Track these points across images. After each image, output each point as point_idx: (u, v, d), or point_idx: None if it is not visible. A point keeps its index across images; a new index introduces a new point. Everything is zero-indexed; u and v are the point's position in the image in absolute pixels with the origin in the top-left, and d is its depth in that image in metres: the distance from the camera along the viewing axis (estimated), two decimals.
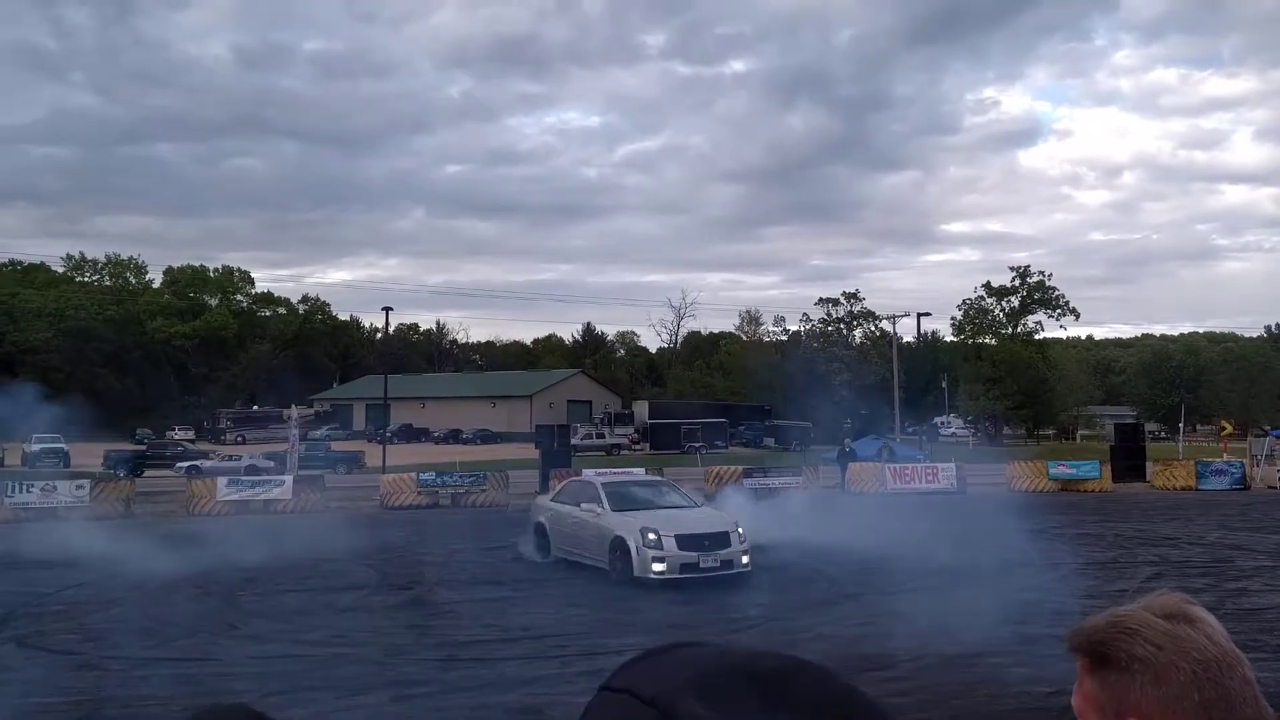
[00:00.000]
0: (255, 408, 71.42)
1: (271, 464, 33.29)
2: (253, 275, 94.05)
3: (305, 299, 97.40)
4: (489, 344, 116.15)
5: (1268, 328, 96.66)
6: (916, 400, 58.35)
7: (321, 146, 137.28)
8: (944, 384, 71.54)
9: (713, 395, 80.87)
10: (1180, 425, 45.55)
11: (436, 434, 70.41)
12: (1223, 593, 12.09)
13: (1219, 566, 14.21)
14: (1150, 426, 61.09)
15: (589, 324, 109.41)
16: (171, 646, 9.38)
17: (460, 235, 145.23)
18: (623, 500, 13.81)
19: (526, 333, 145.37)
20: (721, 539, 12.76)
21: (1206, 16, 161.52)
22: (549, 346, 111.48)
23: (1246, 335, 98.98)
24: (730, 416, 67.18)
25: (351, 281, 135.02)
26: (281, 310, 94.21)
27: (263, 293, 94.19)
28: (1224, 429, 42.50)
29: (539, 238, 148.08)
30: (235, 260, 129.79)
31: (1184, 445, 46.49)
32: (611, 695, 0.50)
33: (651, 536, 12.43)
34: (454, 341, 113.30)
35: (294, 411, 31.81)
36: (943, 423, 73.53)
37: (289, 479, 25.86)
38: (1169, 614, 1.06)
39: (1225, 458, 34.08)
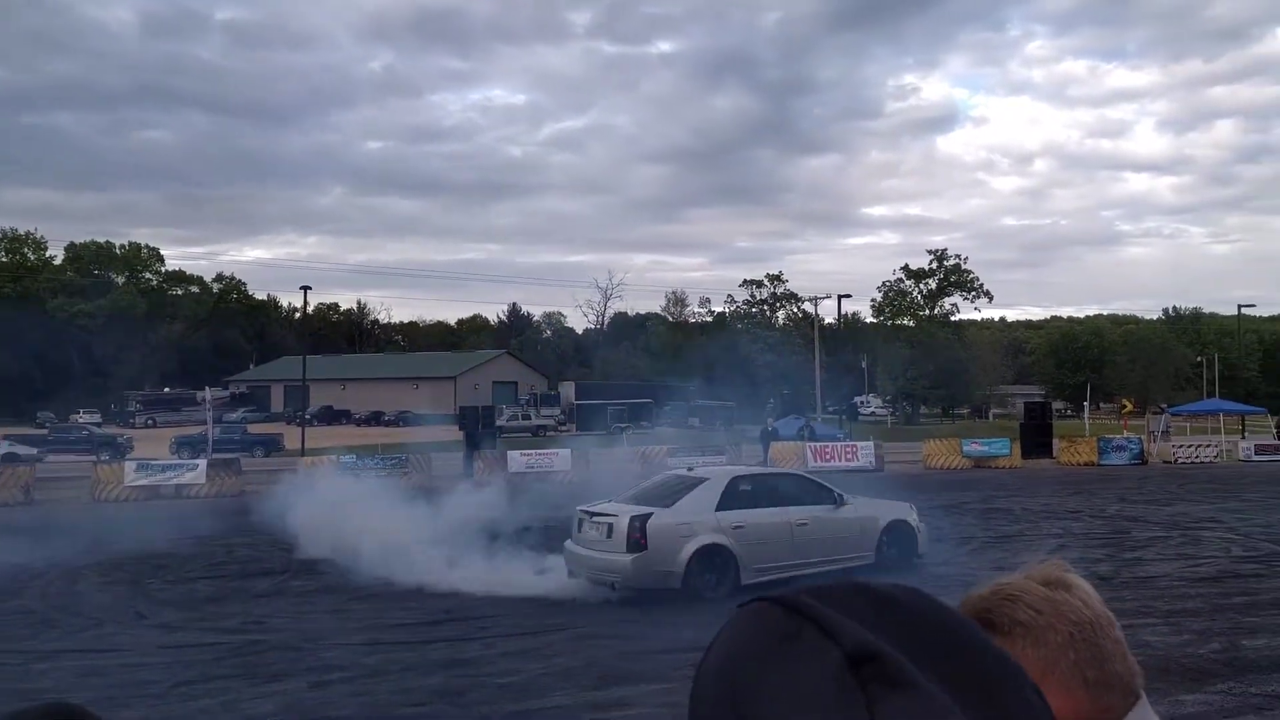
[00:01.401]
0: (166, 390, 68.92)
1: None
2: (162, 253, 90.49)
3: (219, 277, 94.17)
4: (412, 324, 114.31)
5: (1165, 310, 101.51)
6: (837, 380, 59.50)
7: (236, 119, 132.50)
8: (864, 364, 73.16)
9: (639, 376, 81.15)
10: (1085, 404, 47.57)
11: (358, 416, 69.11)
12: (1119, 562, 12.70)
13: (1117, 538, 14.92)
14: (1058, 405, 63.58)
15: (515, 304, 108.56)
16: (76, 638, 9.04)
17: (382, 213, 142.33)
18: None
19: (451, 313, 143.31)
20: None
21: (1114, 10, 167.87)
22: (474, 327, 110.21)
23: (1146, 318, 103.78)
24: (656, 397, 67.52)
25: (269, 260, 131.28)
26: (194, 289, 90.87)
27: (174, 271, 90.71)
28: (1125, 407, 44.53)
29: (464, 217, 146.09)
30: (143, 237, 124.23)
31: (1088, 423, 48.57)
32: (752, 603, 0.55)
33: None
34: (376, 322, 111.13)
35: (207, 393, 30.77)
36: (862, 402, 75.29)
37: (202, 463, 25.08)
38: (1048, 581, 1.13)
39: (1125, 434, 35.75)
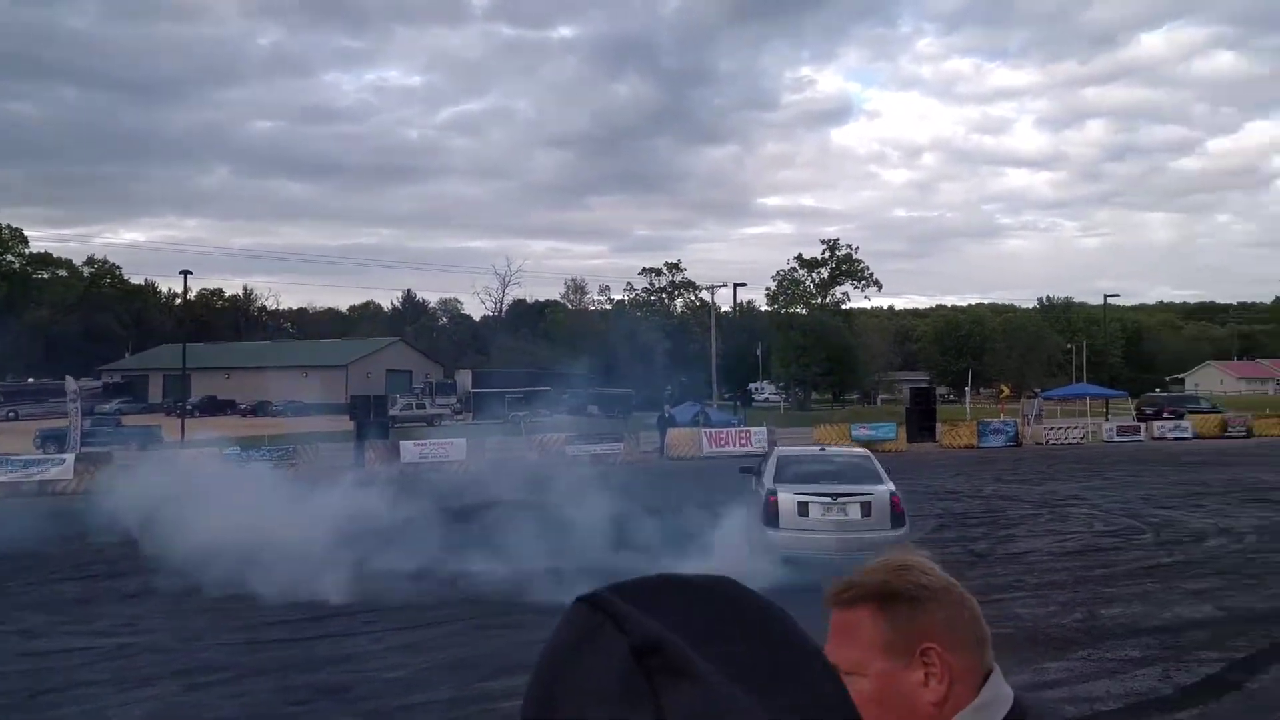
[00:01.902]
0: (30, 380, 64.73)
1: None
2: (26, 234, 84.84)
3: (91, 261, 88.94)
4: (302, 311, 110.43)
5: (1040, 300, 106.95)
6: (733, 368, 60.51)
7: (112, 94, 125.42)
8: (759, 352, 74.60)
9: (537, 364, 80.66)
10: (966, 389, 49.70)
11: (243, 406, 66.48)
12: (994, 540, 13.35)
13: (992, 516, 15.68)
14: (941, 390, 66.30)
15: (410, 291, 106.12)
16: None
17: (271, 195, 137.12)
18: None
19: (343, 299, 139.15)
20: None
21: (997, 11, 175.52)
22: (367, 314, 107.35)
23: (1023, 306, 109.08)
24: (555, 385, 67.23)
25: (146, 243, 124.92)
26: (63, 273, 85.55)
27: (39, 253, 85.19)
28: (1002, 392, 46.81)
29: (357, 200, 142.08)
30: (4, 217, 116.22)
31: (970, 407, 50.82)
32: (572, 602, 0.58)
33: None
34: (263, 308, 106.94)
35: (73, 383, 29.03)
36: (757, 389, 76.81)
37: (69, 458, 23.69)
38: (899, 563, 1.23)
39: (1002, 418, 37.57)
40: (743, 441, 31.25)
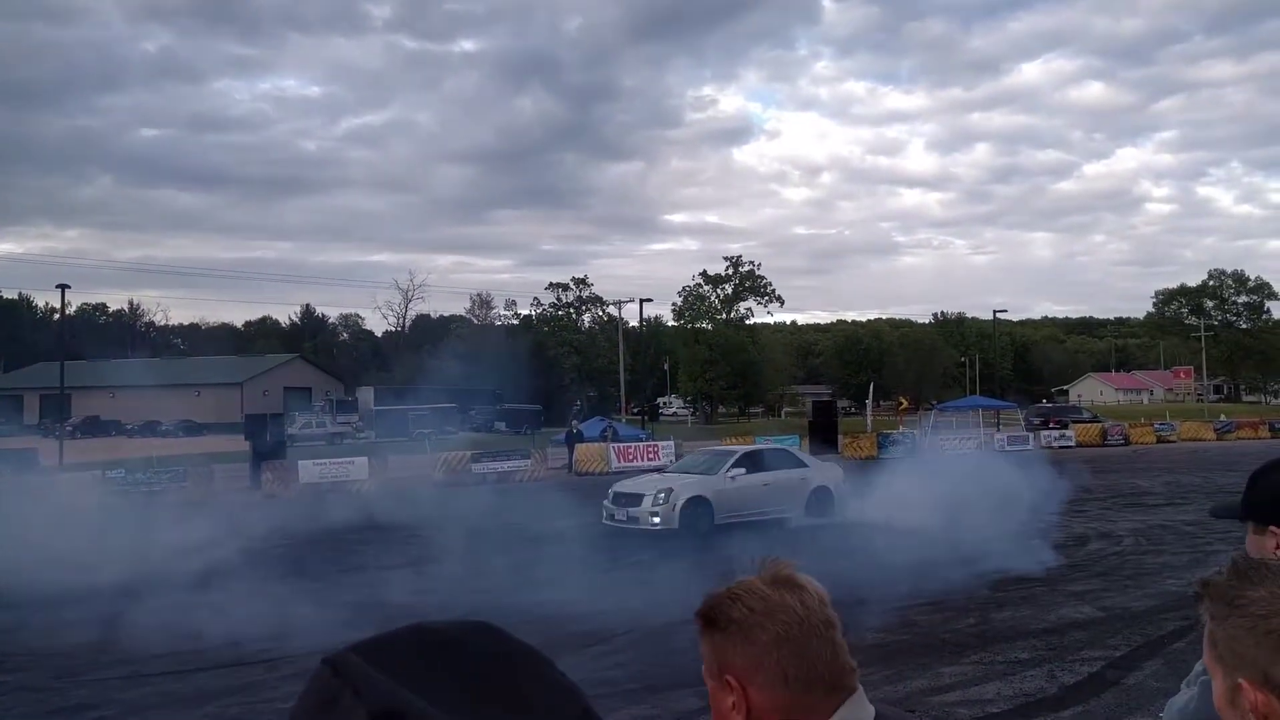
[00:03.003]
0: None
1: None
2: None
3: None
4: (193, 327, 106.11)
5: (934, 315, 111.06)
6: (641, 382, 60.82)
7: None
8: (666, 366, 75.21)
9: (443, 380, 79.38)
10: (867, 401, 51.14)
11: (130, 427, 63.27)
12: (894, 550, 13.69)
13: (888, 526, 16.07)
14: (843, 403, 68.02)
15: (308, 305, 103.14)
16: None
17: (159, 206, 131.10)
18: None
19: (237, 315, 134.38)
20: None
21: (888, 38, 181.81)
22: (263, 330, 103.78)
23: (919, 321, 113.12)
24: (460, 401, 66.23)
25: (20, 254, 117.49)
26: None
27: None
28: (901, 404, 48.32)
29: (252, 212, 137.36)
30: None
31: (870, 419, 52.27)
32: (318, 664, 0.55)
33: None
34: (151, 324, 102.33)
35: None
36: (665, 403, 77.37)
37: None
38: (777, 580, 1.19)
39: (901, 430, 38.77)
40: (651, 456, 31.38)
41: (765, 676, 1.13)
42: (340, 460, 27.82)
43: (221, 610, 9.54)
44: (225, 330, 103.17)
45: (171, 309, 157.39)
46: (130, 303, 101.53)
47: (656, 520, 14.94)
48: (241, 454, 28.74)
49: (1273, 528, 1.68)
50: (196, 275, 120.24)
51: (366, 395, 68.92)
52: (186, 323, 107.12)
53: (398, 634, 0.55)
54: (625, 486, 16.21)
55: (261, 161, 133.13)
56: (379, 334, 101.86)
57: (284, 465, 26.17)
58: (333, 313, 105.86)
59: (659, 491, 15.35)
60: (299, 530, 16.72)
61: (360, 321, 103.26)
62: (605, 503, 15.89)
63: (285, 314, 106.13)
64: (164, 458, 30.39)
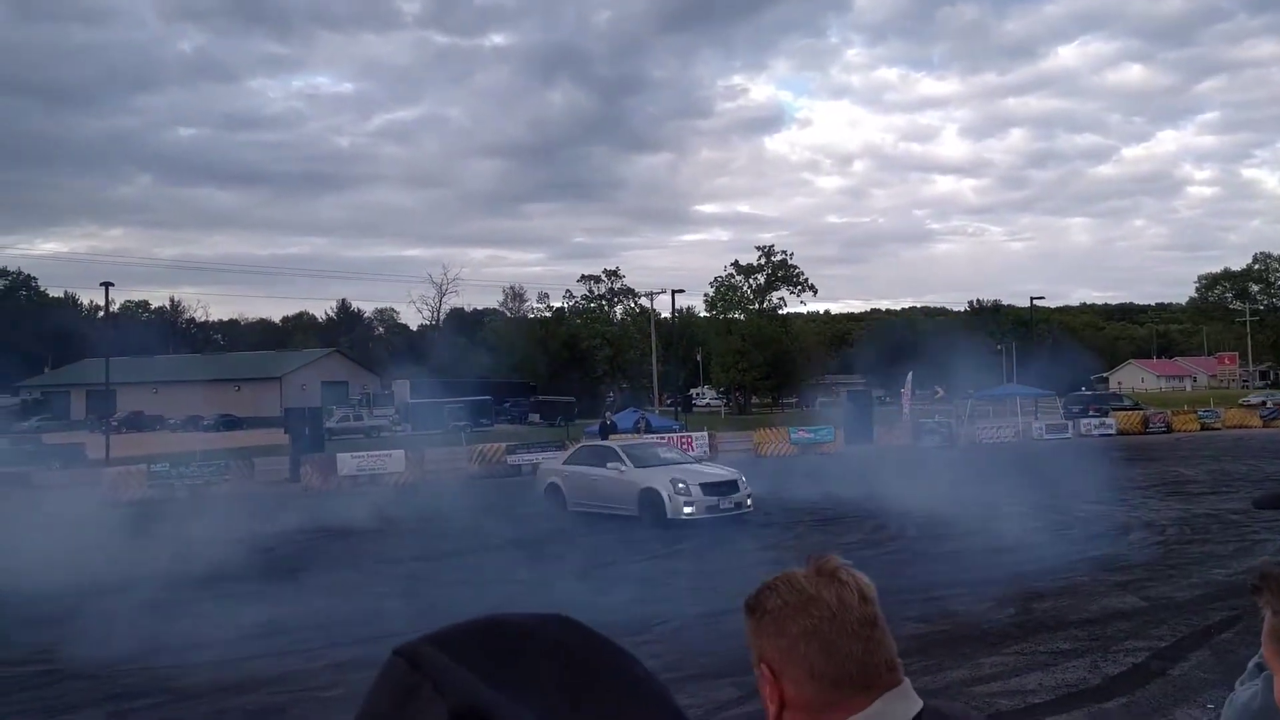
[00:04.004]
0: None
1: None
2: None
3: (4, 273, 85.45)
4: (232, 322, 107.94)
5: (970, 303, 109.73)
6: (674, 373, 60.79)
7: (18, 98, 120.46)
8: (699, 357, 75.06)
9: (477, 373, 79.91)
10: (902, 391, 50.61)
11: (173, 421, 64.45)
12: (931, 539, 13.63)
13: (929, 516, 15.95)
14: (878, 393, 67.41)
15: (344, 300, 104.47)
16: None
17: (197, 205, 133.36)
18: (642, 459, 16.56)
19: (274, 310, 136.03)
20: (732, 486, 15.71)
21: (919, 24, 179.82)
22: (300, 325, 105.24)
23: (954, 309, 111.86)
24: (495, 394, 66.67)
25: (65, 254, 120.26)
26: None
27: None
28: (937, 394, 47.80)
29: (287, 209, 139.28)
30: None
31: (906, 409, 51.72)
32: (390, 656, 0.54)
33: (681, 485, 15.26)
34: (191, 320, 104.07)
35: None
36: (698, 394, 77.27)
37: None
38: (820, 572, 1.18)
39: (937, 419, 38.40)
40: (684, 447, 31.33)
41: (794, 669, 1.13)
42: (378, 453, 28.13)
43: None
44: (263, 325, 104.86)
45: (211, 305, 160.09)
46: (171, 299, 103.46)
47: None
48: (281, 448, 29.17)
49: None
50: (235, 272, 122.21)
51: (402, 389, 69.58)
52: (226, 318, 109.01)
53: (472, 625, 0.55)
54: (702, 476, 16.09)
55: (295, 159, 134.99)
56: (414, 328, 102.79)
57: (323, 459, 26.53)
58: (368, 307, 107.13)
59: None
60: (338, 523, 16.97)
61: (395, 315, 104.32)
62: (681, 494, 15.23)
63: (321, 309, 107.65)
64: (206, 452, 30.97)
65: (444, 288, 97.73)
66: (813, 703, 1.12)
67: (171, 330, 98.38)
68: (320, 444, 28.88)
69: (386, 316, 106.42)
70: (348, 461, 26.15)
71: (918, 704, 1.15)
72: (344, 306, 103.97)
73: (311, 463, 25.96)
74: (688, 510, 15.05)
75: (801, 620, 1.13)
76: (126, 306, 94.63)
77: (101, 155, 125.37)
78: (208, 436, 51.61)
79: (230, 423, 62.83)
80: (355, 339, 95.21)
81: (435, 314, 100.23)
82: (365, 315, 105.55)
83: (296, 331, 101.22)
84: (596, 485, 16.46)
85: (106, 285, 41.62)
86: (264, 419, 59.18)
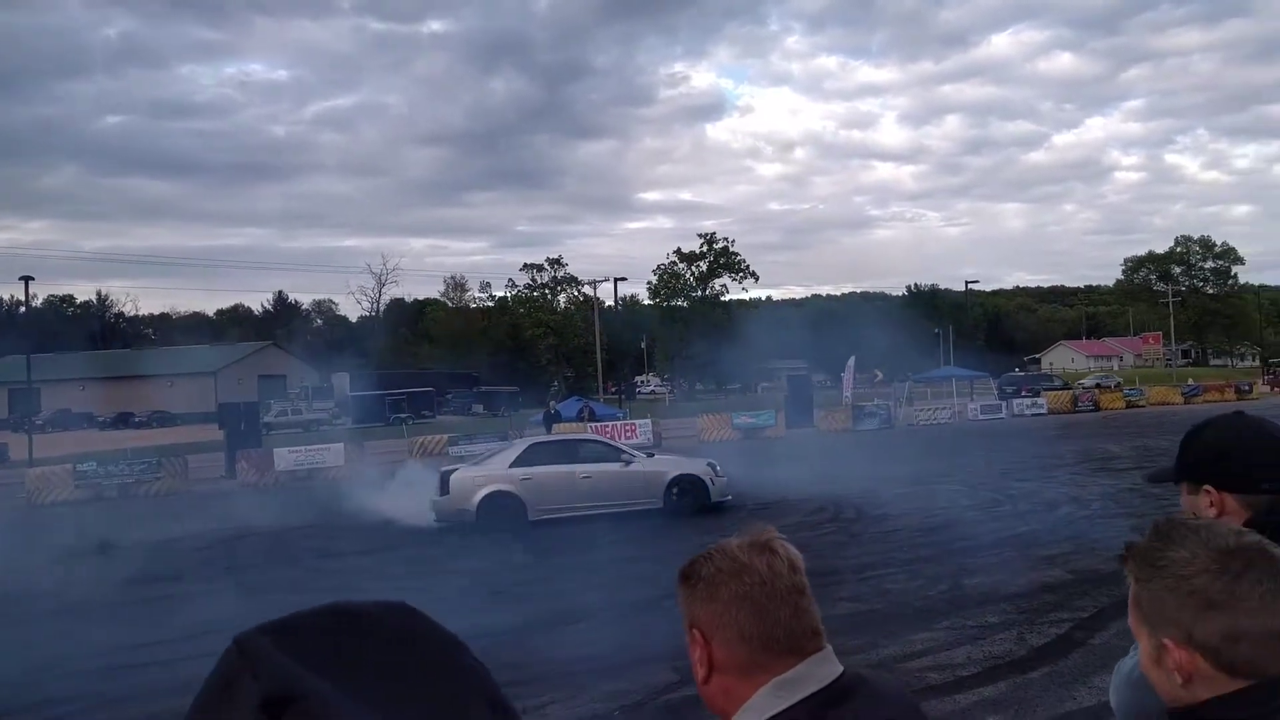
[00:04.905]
0: None
1: None
2: None
3: None
4: (164, 316, 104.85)
5: (908, 288, 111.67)
6: (619, 361, 60.85)
7: None
8: (643, 345, 75.22)
9: (418, 364, 78.96)
10: (842, 375, 51.38)
11: (102, 419, 62.59)
12: (868, 520, 13.89)
13: (866, 497, 16.27)
14: (819, 377, 68.38)
15: (280, 293, 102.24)
16: None
17: (126, 195, 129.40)
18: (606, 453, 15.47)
19: (209, 304, 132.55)
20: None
21: (858, 12, 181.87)
22: (236, 318, 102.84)
23: (893, 294, 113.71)
24: (437, 385, 66.01)
25: None
26: None
27: None
28: (876, 377, 48.61)
29: (222, 200, 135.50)
30: None
31: (849, 392, 52.52)
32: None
33: (719, 468, 15.37)
34: (121, 315, 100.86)
35: None
36: (642, 381, 77.47)
37: None
38: (753, 543, 1.24)
39: (876, 402, 39.09)
40: (628, 434, 31.44)
41: (725, 632, 1.19)
42: (316, 447, 27.64)
43: None
44: (197, 319, 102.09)
45: (141, 299, 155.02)
46: (99, 293, 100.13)
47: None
48: (216, 444, 28.52)
49: (1206, 487, 1.73)
50: (166, 264, 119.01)
51: (342, 381, 68.44)
52: (157, 312, 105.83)
53: (312, 613, 0.55)
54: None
55: (230, 147, 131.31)
56: (353, 319, 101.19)
57: (259, 454, 25.99)
58: (306, 299, 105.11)
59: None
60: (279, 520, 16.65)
61: (334, 307, 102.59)
62: (720, 476, 15.41)
63: (258, 301, 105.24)
64: (136, 450, 30.11)
65: (384, 278, 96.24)
66: (742, 664, 1.18)
67: (100, 326, 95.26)
68: (257, 439, 28.29)
69: (325, 308, 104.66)
70: (285, 456, 25.66)
71: (839, 668, 1.21)
72: (281, 299, 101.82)
73: (248, 458, 25.42)
74: (728, 495, 15.39)
75: (734, 586, 1.19)
76: (50, 301, 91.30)
77: (23, 144, 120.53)
78: (139, 434, 50.22)
79: (163, 419, 61.21)
80: (293, 332, 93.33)
81: (375, 305, 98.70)
82: (303, 307, 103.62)
83: (232, 325, 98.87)
84: (587, 485, 14.54)
85: (26, 279, 40.11)
86: (199, 415, 57.72)
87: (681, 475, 15.21)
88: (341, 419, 56.90)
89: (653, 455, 16.47)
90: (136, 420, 60.91)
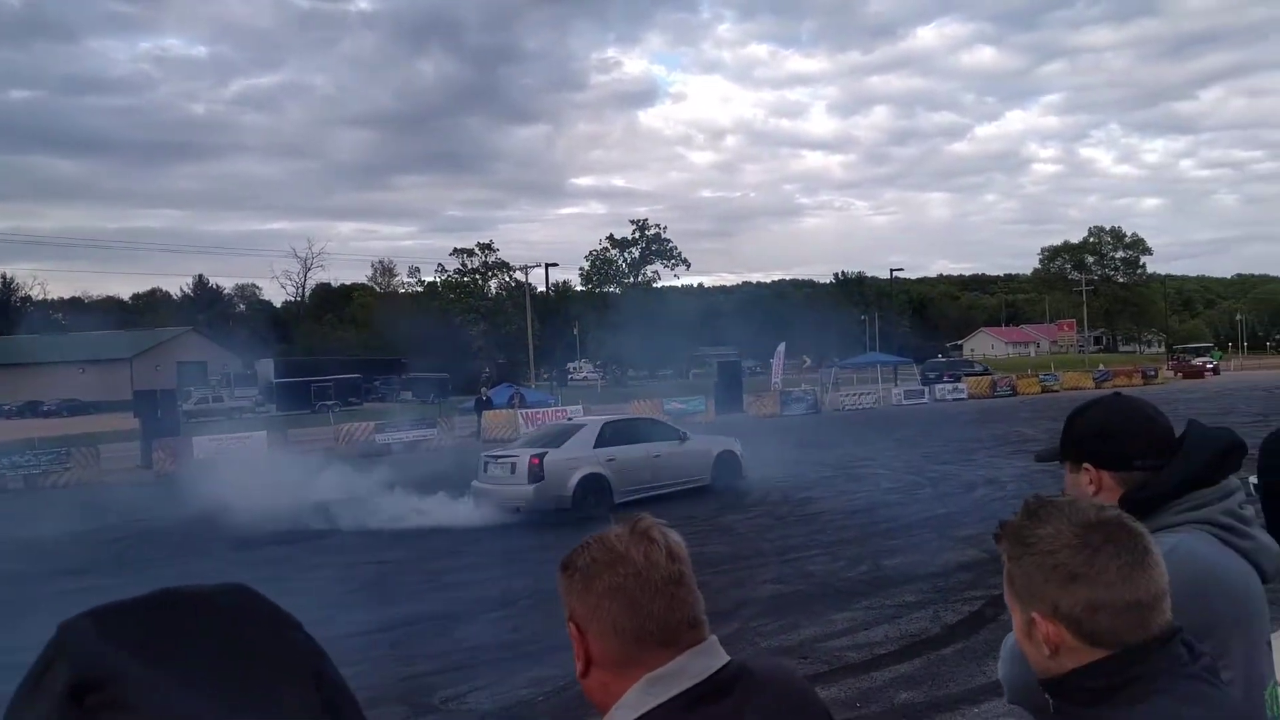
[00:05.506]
0: None
1: None
2: None
3: None
4: (75, 300, 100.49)
5: (836, 275, 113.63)
6: (551, 348, 60.58)
7: None
8: (576, 331, 75.02)
9: (346, 350, 77.41)
10: (771, 361, 52.05)
11: (7, 408, 59.86)
12: (793, 502, 14.14)
13: (791, 479, 16.56)
14: (749, 363, 69.15)
15: (201, 276, 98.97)
16: None
17: (33, 174, 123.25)
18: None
19: (124, 287, 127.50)
20: None
21: (788, 1, 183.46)
22: (153, 303, 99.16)
23: (821, 281, 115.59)
24: (365, 371, 64.87)
25: None
26: None
27: None
28: (804, 363, 49.41)
29: (138, 179, 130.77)
30: None
31: (780, 378, 53.24)
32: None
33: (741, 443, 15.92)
34: (27, 298, 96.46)
35: None
36: (575, 368, 77.32)
37: None
38: (633, 531, 1.20)
39: (803, 388, 39.73)
40: (560, 420, 31.37)
41: (599, 625, 1.16)
42: (238, 435, 26.92)
43: None
44: (111, 303, 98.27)
45: (50, 283, 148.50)
46: (3, 277, 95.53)
47: None
48: (132, 433, 27.54)
49: (1086, 465, 1.81)
50: (78, 246, 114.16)
51: (266, 368, 66.74)
52: (68, 296, 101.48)
53: (143, 597, 0.55)
54: None
55: (146, 125, 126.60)
56: (278, 304, 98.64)
57: (177, 443, 25.20)
58: (228, 284, 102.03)
59: None
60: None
61: (257, 292, 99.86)
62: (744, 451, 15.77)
63: (176, 286, 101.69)
64: (44, 439, 28.89)
65: (309, 262, 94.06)
66: (616, 659, 1.15)
67: (3, 310, 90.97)
68: (175, 428, 27.39)
69: (248, 293, 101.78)
70: (205, 445, 24.93)
71: (722, 659, 1.17)
72: (201, 283, 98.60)
73: (165, 447, 24.63)
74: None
75: (608, 577, 1.15)
76: None
77: None
78: (47, 423, 48.16)
79: (74, 408, 58.86)
80: (214, 317, 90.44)
81: (300, 290, 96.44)
82: (225, 292, 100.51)
83: (148, 310, 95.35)
84: (660, 463, 14.47)
85: None
86: (113, 403, 55.63)
87: (724, 451, 15.55)
88: (265, 407, 55.50)
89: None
90: (45, 409, 58.45)
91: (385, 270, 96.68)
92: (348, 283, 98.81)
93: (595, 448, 13.79)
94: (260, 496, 14.81)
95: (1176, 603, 1.22)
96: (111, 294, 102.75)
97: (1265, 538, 1.72)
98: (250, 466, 19.85)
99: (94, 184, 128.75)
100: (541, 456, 13.21)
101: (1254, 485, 1.90)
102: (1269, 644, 1.68)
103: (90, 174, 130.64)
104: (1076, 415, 1.86)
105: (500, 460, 13.72)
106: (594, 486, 13.46)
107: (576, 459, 13.50)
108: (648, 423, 16.43)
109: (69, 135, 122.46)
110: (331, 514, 13.98)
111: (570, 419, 17.36)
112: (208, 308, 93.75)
